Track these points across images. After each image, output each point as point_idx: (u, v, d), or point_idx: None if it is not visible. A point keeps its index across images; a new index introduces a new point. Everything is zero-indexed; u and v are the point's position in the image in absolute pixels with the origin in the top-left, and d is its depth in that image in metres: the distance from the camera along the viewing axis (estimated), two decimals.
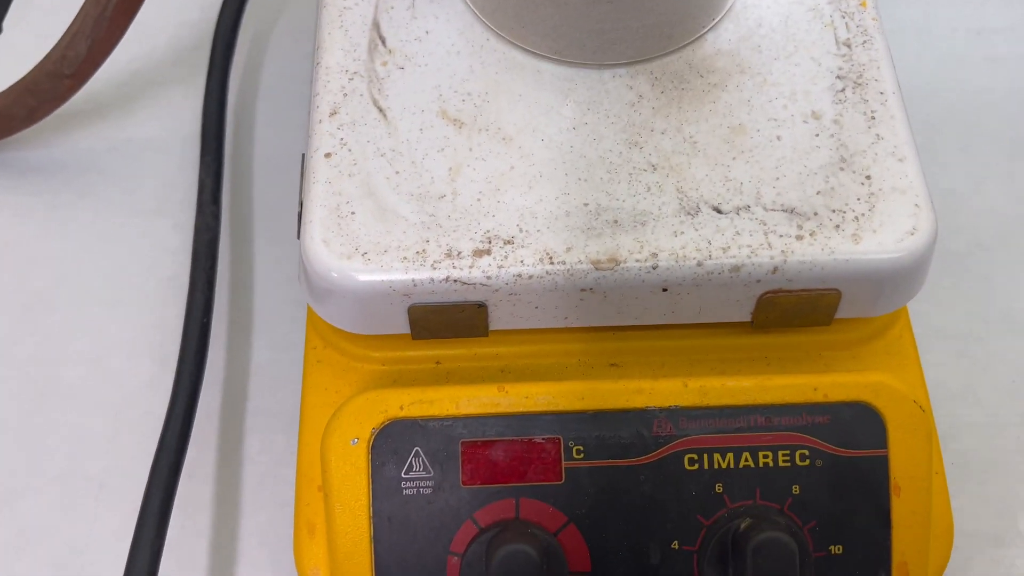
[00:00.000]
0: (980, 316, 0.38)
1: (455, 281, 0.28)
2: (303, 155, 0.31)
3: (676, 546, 0.28)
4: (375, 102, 0.31)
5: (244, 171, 0.42)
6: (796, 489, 0.28)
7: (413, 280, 0.28)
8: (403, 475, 0.28)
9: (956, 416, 0.36)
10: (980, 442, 0.36)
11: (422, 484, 0.28)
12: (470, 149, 0.30)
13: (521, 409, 0.28)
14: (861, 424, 0.29)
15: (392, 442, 0.28)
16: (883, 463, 0.28)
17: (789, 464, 0.28)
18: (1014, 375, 0.37)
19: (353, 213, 0.29)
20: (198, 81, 0.42)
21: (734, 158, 0.30)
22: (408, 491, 0.28)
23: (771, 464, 0.28)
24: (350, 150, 0.30)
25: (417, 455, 0.28)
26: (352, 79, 0.31)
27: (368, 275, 0.28)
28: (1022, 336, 0.37)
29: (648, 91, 0.31)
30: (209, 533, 0.34)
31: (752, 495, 0.28)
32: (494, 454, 0.28)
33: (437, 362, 0.31)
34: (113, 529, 0.34)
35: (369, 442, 0.28)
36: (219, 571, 0.34)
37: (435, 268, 0.28)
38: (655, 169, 0.29)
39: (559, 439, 0.28)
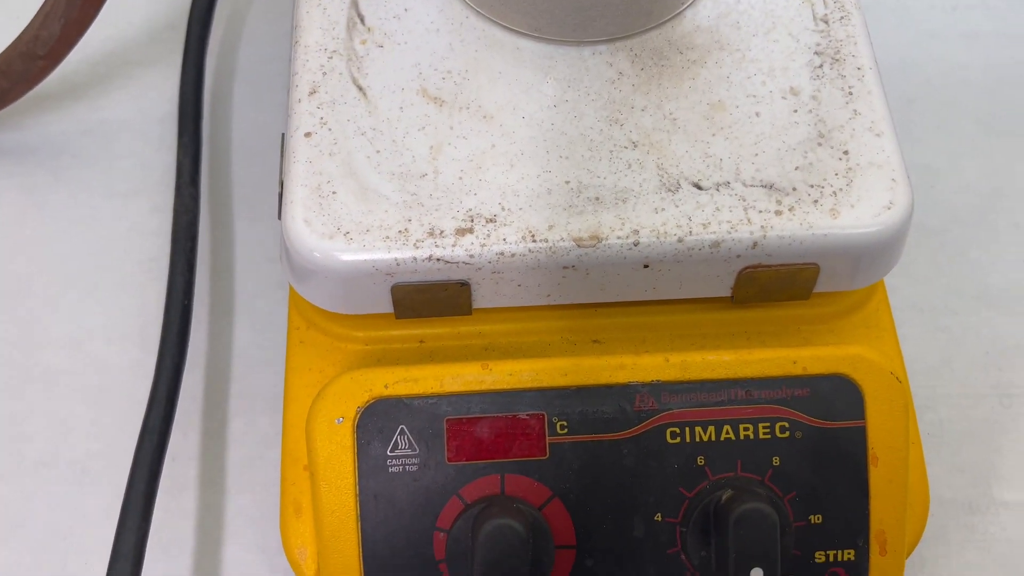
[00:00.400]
0: (955, 290, 0.39)
1: (438, 260, 0.28)
2: (283, 135, 0.31)
3: (659, 518, 0.29)
4: (355, 81, 0.30)
5: (222, 151, 0.42)
6: (776, 461, 0.29)
7: (396, 259, 0.28)
8: (389, 453, 0.28)
9: (931, 388, 0.37)
10: (955, 413, 0.36)
11: (408, 462, 0.28)
12: (451, 127, 0.30)
13: (505, 386, 0.29)
14: (839, 396, 0.29)
15: (377, 421, 0.29)
16: (861, 434, 0.29)
17: (769, 436, 0.29)
18: (988, 347, 0.37)
19: (334, 193, 0.29)
20: (174, 60, 0.42)
21: (714, 135, 0.30)
22: (394, 469, 0.28)
23: (751, 436, 0.29)
24: (330, 129, 0.30)
25: (402, 433, 0.29)
26: (331, 58, 0.31)
27: (350, 255, 0.28)
28: (996, 310, 0.38)
29: (628, 68, 0.31)
30: (195, 514, 0.35)
31: (733, 467, 0.29)
32: (479, 431, 0.29)
33: (421, 341, 0.31)
34: (97, 513, 0.34)
35: (354, 421, 0.29)
36: (206, 552, 0.34)
37: (418, 247, 0.28)
38: (636, 146, 0.30)
39: (543, 415, 0.29)
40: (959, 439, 0.36)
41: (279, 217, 0.29)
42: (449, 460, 0.28)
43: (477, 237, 0.28)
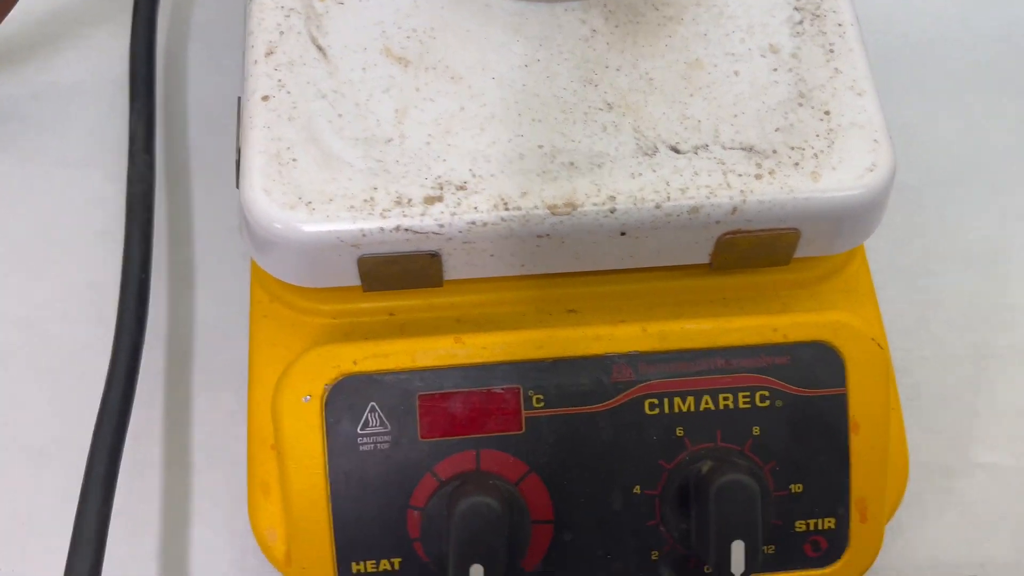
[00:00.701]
0: (933, 250, 0.38)
1: (406, 230, 0.27)
2: (239, 99, 0.29)
3: (638, 491, 0.28)
4: (314, 40, 0.29)
5: (178, 116, 0.40)
6: (756, 430, 0.28)
7: (361, 230, 0.26)
8: (359, 431, 0.28)
9: (909, 350, 0.36)
10: (933, 375, 0.36)
11: (379, 439, 0.28)
12: (417, 89, 0.28)
13: (478, 360, 0.28)
14: (820, 363, 0.28)
15: (346, 398, 0.28)
16: (842, 401, 0.28)
17: (749, 405, 0.28)
18: (966, 308, 0.37)
19: (295, 160, 0.27)
20: (124, 19, 0.40)
21: (691, 95, 0.29)
22: (365, 447, 0.28)
23: (731, 406, 0.28)
24: (289, 92, 0.28)
25: (373, 410, 0.28)
26: (288, 16, 0.29)
27: (313, 226, 0.26)
28: (974, 270, 0.38)
29: (602, 25, 0.30)
30: (160, 495, 0.33)
31: (713, 437, 0.28)
32: (452, 406, 0.28)
33: (391, 314, 0.30)
34: (58, 497, 0.33)
35: (322, 399, 0.27)
36: (172, 533, 0.33)
37: (384, 217, 0.27)
38: (611, 108, 0.28)
39: (518, 388, 0.28)
40: (936, 402, 0.36)
41: (237, 186, 0.28)
42: (422, 437, 0.28)
43: (447, 206, 0.27)
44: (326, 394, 0.27)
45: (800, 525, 0.28)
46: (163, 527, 0.33)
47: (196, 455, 0.34)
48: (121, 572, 0.32)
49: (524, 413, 0.28)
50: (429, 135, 0.28)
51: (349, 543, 0.27)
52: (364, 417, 0.28)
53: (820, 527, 0.28)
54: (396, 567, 0.28)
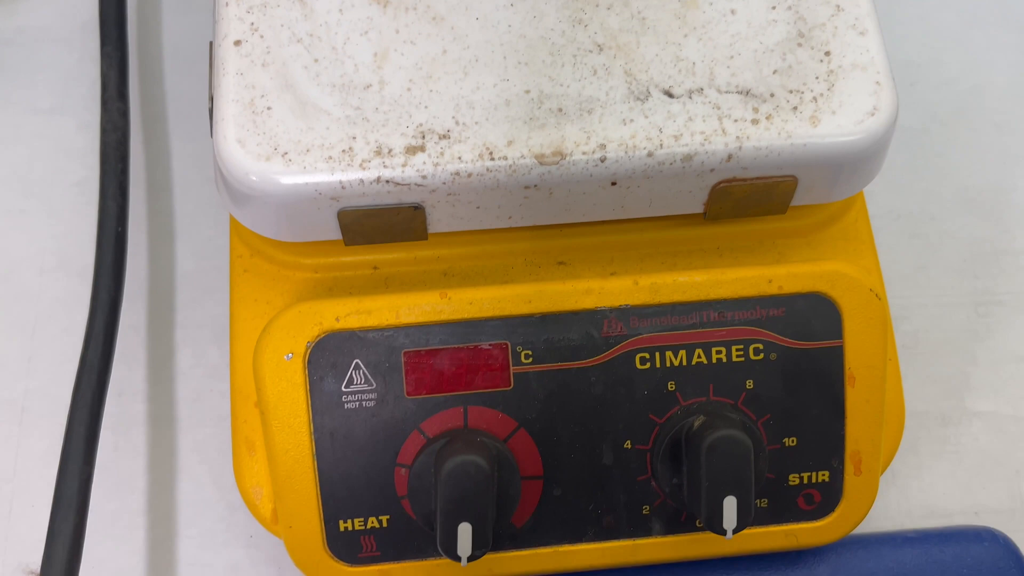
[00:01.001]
0: (934, 194, 0.37)
1: (387, 182, 0.26)
2: (211, 43, 0.27)
3: (628, 446, 0.28)
4: None
5: (152, 60, 0.38)
6: (750, 384, 0.28)
7: (341, 182, 0.25)
8: (344, 389, 0.27)
9: (908, 298, 0.36)
10: (930, 323, 0.35)
11: (364, 397, 0.27)
12: (397, 31, 0.27)
13: (465, 315, 0.27)
14: (816, 315, 0.28)
15: (330, 355, 0.27)
16: (838, 353, 0.28)
17: (743, 359, 0.28)
18: (966, 254, 0.36)
19: (269, 108, 0.26)
20: None
21: (686, 35, 0.27)
22: (350, 405, 0.27)
23: (724, 360, 0.28)
24: (262, 36, 0.27)
25: (357, 368, 0.27)
26: None
27: (290, 178, 0.25)
28: (975, 214, 0.37)
29: None
30: (145, 451, 0.33)
31: (705, 392, 0.28)
32: (439, 363, 0.27)
33: (374, 267, 0.29)
34: (40, 454, 0.33)
35: (305, 356, 0.27)
36: (158, 490, 0.33)
37: (364, 168, 0.25)
38: (601, 50, 0.27)
39: (506, 344, 0.27)
40: (933, 350, 0.35)
41: (212, 135, 0.26)
42: (408, 394, 0.27)
43: (429, 156, 0.26)
44: (308, 352, 0.27)
45: (794, 478, 0.28)
46: (149, 484, 0.33)
47: (180, 411, 0.33)
48: (107, 529, 0.32)
49: (512, 369, 0.27)
50: (410, 80, 0.26)
51: (336, 501, 0.27)
52: (348, 375, 0.27)
53: (814, 480, 0.28)
54: (384, 524, 0.27)
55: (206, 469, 0.33)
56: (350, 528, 0.27)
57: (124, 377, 0.34)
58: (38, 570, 0.31)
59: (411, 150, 0.26)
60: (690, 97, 0.27)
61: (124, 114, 0.35)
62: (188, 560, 0.32)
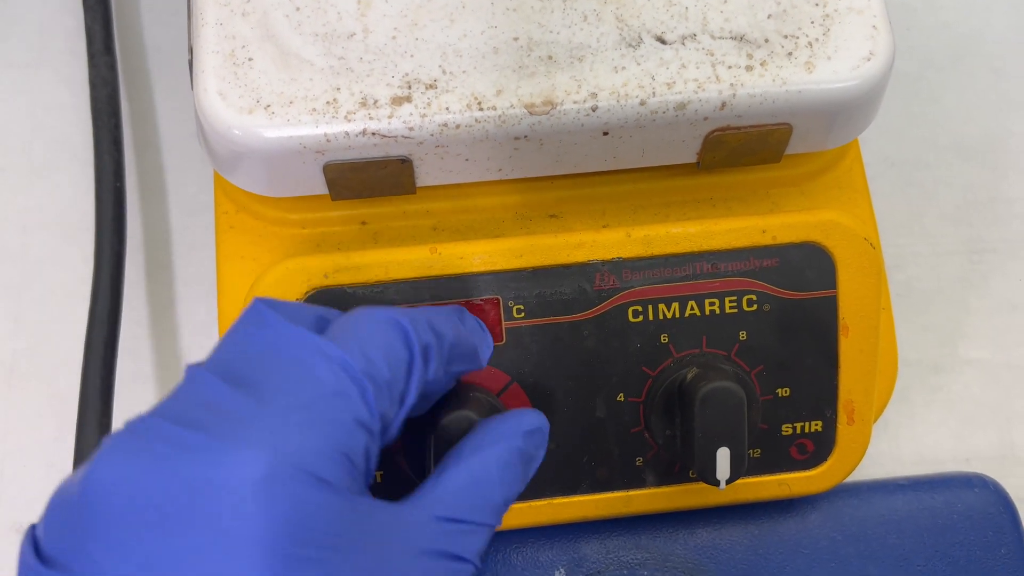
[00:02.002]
0: (929, 141, 0.37)
1: (373, 134, 0.25)
2: None
3: (621, 398, 0.28)
4: None
5: (132, 11, 0.37)
6: (743, 335, 0.28)
7: (325, 135, 0.25)
8: None
9: (901, 246, 0.35)
10: (924, 272, 0.35)
11: None
12: None
13: (456, 271, 0.27)
14: (810, 265, 0.27)
15: None
16: (832, 303, 0.28)
17: (736, 310, 0.27)
18: (960, 201, 0.36)
19: (250, 59, 0.25)
20: None
21: None
22: None
23: (717, 311, 0.27)
24: None
25: None
26: None
27: (274, 131, 0.25)
28: (970, 161, 0.36)
29: None
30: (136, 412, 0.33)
31: (698, 343, 0.27)
32: None
33: (363, 222, 0.29)
34: (30, 415, 0.32)
35: None
36: None
37: (349, 120, 0.25)
38: None
39: (498, 299, 0.27)
40: (927, 298, 0.35)
41: (192, 88, 0.26)
42: None
43: (416, 106, 0.25)
44: None
45: (787, 429, 0.28)
46: None
47: (170, 369, 0.33)
48: None
49: (505, 324, 0.27)
50: (395, 28, 0.26)
51: None
52: None
53: (807, 430, 0.28)
54: (378, 480, 0.27)
55: None
56: None
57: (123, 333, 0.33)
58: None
59: (397, 101, 0.25)
60: (683, 43, 0.26)
61: (112, 67, 0.34)
62: None
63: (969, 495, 0.31)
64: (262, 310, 0.21)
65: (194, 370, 0.20)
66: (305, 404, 0.20)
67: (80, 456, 0.29)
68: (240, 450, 0.18)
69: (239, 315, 0.22)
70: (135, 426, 0.20)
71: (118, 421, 0.32)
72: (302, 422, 0.19)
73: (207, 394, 0.20)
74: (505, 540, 0.30)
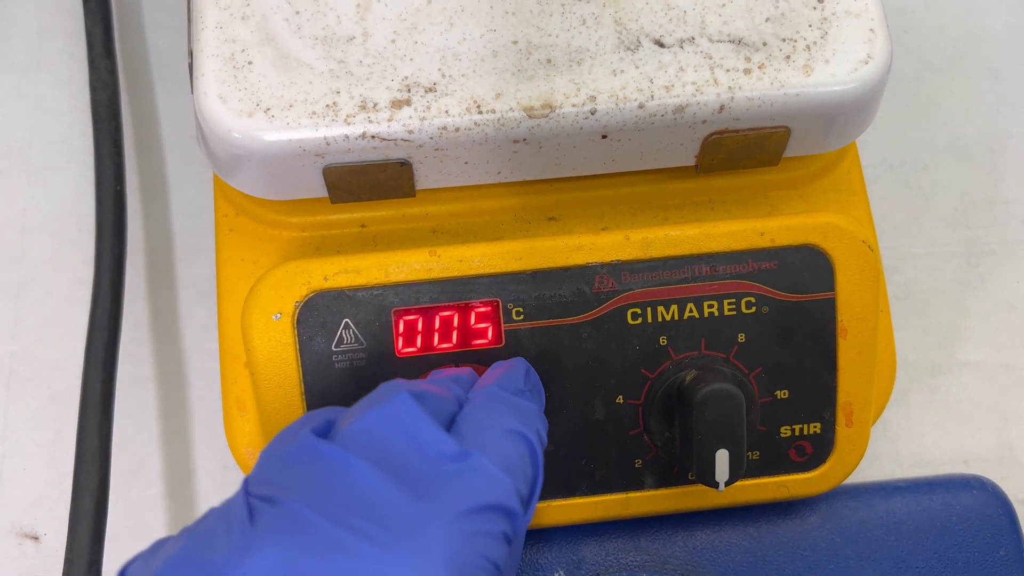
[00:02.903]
0: (927, 143, 0.37)
1: (373, 137, 0.25)
2: None
3: (621, 400, 0.28)
4: None
5: (133, 14, 0.37)
6: (742, 337, 0.28)
7: (325, 138, 0.25)
8: (334, 348, 0.27)
9: (899, 248, 0.36)
10: (922, 273, 0.35)
11: (355, 357, 0.27)
12: None
13: (455, 273, 0.27)
14: (809, 267, 0.28)
15: (319, 315, 0.27)
16: (830, 306, 0.28)
17: (735, 312, 0.28)
18: (957, 203, 0.36)
19: (250, 63, 0.25)
20: None
21: None
22: (340, 365, 0.27)
23: (716, 314, 0.27)
24: None
25: (347, 327, 0.27)
26: None
27: (274, 134, 0.25)
28: (968, 162, 0.36)
29: None
30: (135, 413, 0.33)
31: (697, 346, 0.28)
32: (429, 321, 0.27)
33: (362, 225, 0.29)
34: (29, 417, 0.32)
35: (293, 316, 0.26)
36: (149, 452, 0.33)
37: (349, 123, 0.25)
38: None
39: (497, 302, 0.27)
40: (925, 300, 0.35)
41: (192, 91, 0.26)
42: (399, 353, 0.27)
43: (415, 110, 0.25)
44: (297, 312, 0.26)
45: (785, 431, 0.28)
46: (140, 446, 0.32)
47: (170, 371, 0.33)
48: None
49: (504, 326, 0.27)
50: (394, 32, 0.26)
51: None
52: (338, 334, 0.27)
53: (805, 432, 0.28)
54: None
55: (197, 430, 0.33)
56: None
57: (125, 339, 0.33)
58: (38, 535, 0.31)
59: (396, 104, 0.25)
60: (681, 47, 0.26)
61: (112, 71, 0.34)
62: (180, 521, 0.32)
63: (967, 497, 0.31)
64: (410, 404, 0.21)
65: (347, 459, 0.20)
66: (466, 514, 0.20)
67: (81, 458, 0.29)
68: (414, 554, 0.18)
69: (380, 398, 0.22)
70: (282, 524, 0.19)
71: (118, 422, 0.32)
72: (465, 532, 0.19)
73: (366, 488, 0.19)
74: None
